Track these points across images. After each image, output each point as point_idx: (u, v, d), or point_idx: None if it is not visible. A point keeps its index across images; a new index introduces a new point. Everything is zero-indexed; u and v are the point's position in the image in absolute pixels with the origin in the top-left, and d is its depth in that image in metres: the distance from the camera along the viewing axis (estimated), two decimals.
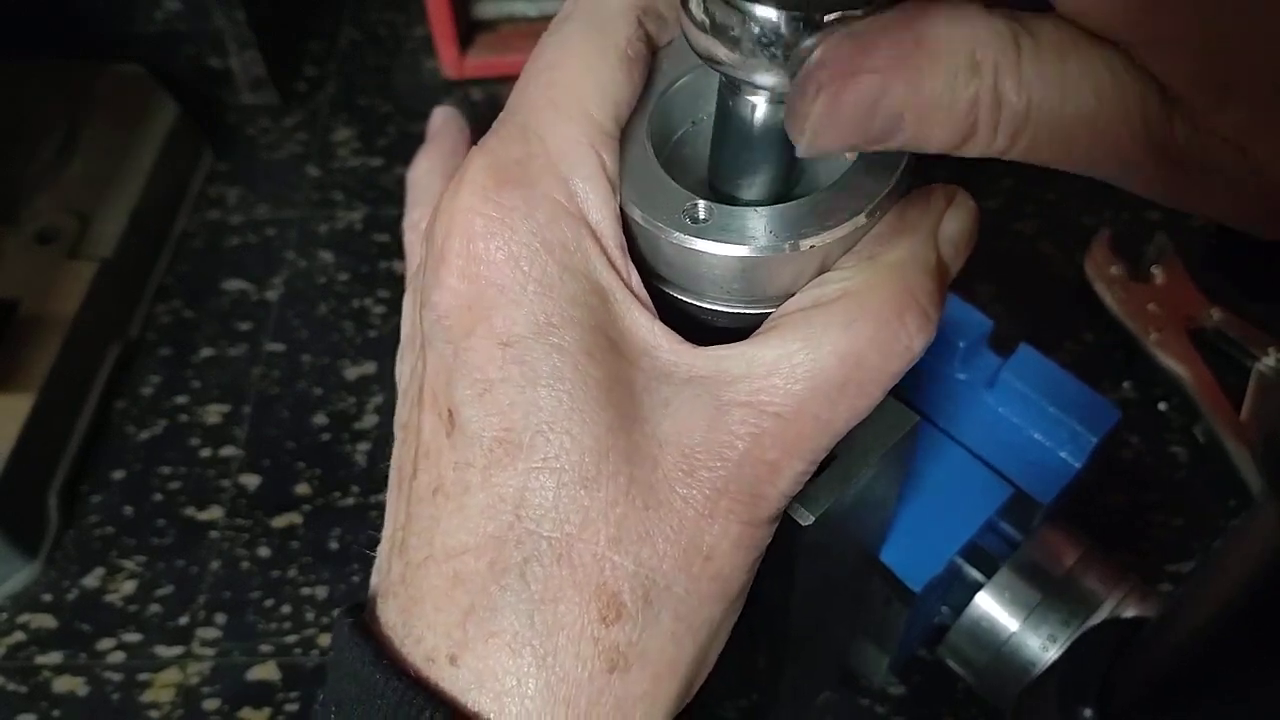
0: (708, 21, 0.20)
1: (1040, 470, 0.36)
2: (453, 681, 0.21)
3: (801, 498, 0.24)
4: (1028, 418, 0.37)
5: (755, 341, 0.21)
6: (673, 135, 0.25)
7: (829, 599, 0.34)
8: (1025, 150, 0.19)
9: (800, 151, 0.19)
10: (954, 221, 0.23)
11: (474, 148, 0.22)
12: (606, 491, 0.20)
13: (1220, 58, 0.17)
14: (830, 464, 0.24)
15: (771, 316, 0.22)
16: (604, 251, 0.22)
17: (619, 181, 0.22)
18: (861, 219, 0.21)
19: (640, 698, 0.21)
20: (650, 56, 0.23)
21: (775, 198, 0.23)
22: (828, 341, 0.20)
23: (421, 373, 0.22)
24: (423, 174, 0.32)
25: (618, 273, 0.22)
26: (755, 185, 0.23)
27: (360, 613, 0.23)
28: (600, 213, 0.22)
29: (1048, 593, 0.37)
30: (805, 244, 0.21)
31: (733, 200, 0.23)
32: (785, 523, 0.24)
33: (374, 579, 0.24)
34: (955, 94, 0.18)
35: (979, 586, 0.38)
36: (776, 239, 0.21)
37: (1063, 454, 0.37)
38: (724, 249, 0.21)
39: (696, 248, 0.21)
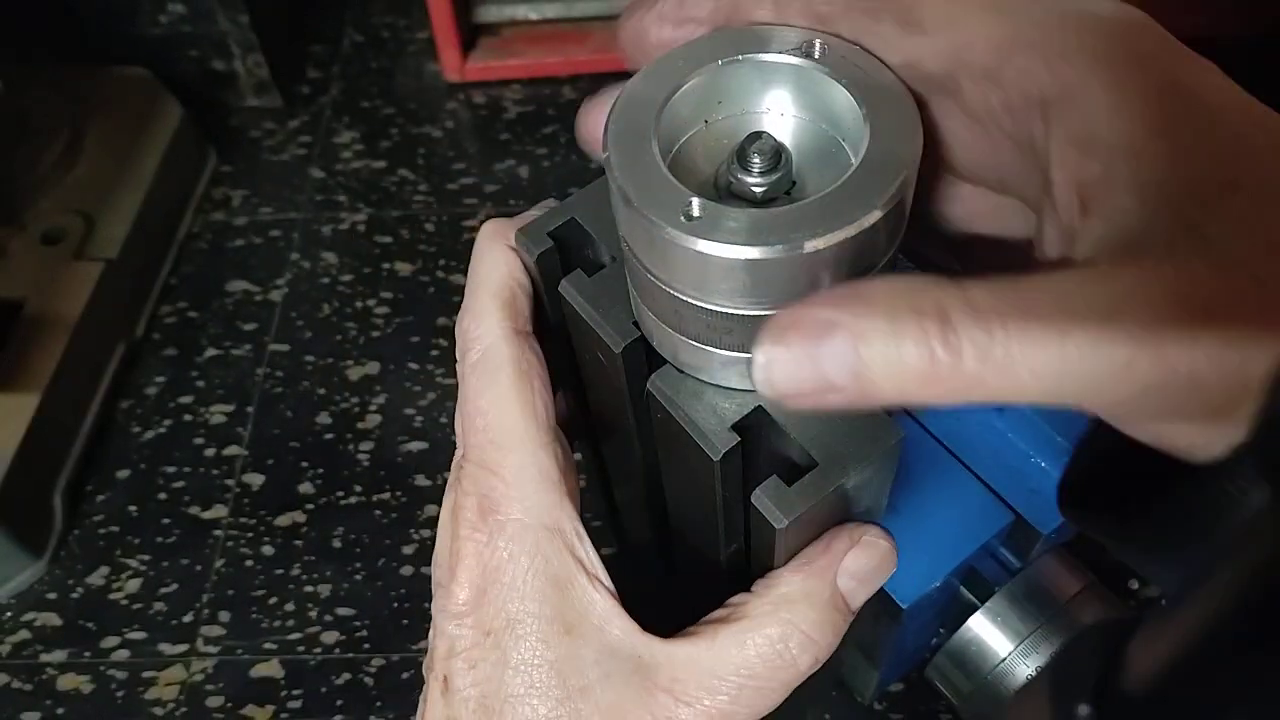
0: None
1: (1043, 500, 0.36)
2: None
3: (778, 501, 0.24)
4: (1036, 445, 0.36)
5: (677, 641, 0.26)
6: (684, 134, 0.25)
7: None
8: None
9: (768, 398, 0.22)
10: (856, 561, 0.27)
11: (457, 487, 0.27)
12: None
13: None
14: (809, 471, 0.25)
15: (701, 620, 0.26)
16: (566, 547, 0.27)
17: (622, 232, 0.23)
18: (857, 225, 0.21)
19: None
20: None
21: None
22: (725, 655, 0.26)
23: (433, 639, 0.28)
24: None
25: (579, 561, 0.27)
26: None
27: None
28: (554, 515, 0.27)
29: (1042, 623, 0.37)
30: (809, 246, 0.21)
31: None
32: (761, 524, 0.25)
33: None
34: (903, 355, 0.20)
35: (974, 610, 0.38)
36: (770, 240, 0.21)
37: None
38: (713, 248, 0.21)
39: (687, 245, 0.22)
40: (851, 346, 0.20)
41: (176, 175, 0.66)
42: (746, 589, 0.28)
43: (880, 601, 0.34)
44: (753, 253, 0.21)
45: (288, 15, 0.76)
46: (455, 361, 0.28)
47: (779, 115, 0.25)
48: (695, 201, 0.22)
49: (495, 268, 0.29)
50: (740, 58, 0.24)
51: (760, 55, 0.24)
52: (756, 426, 0.26)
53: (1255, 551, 0.20)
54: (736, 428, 0.25)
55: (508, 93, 0.74)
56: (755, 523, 0.26)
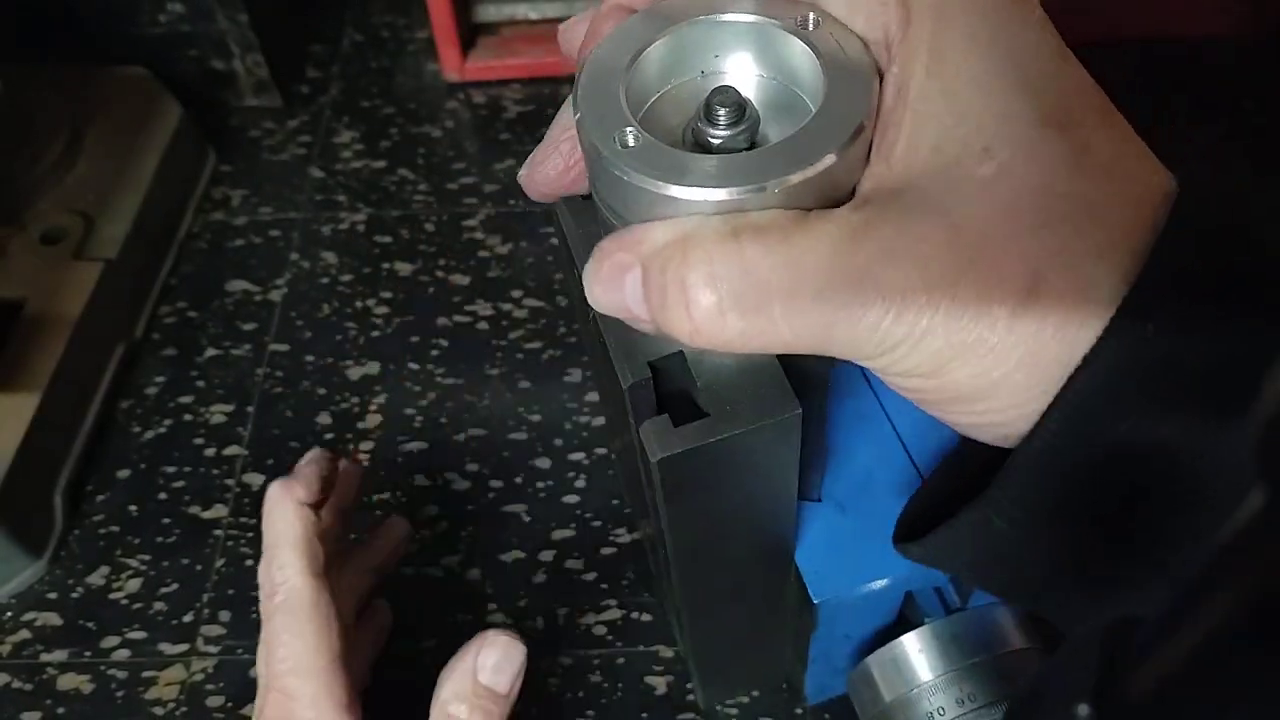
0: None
1: None
2: None
3: (659, 436, 0.25)
4: None
5: None
6: (652, 95, 0.25)
7: (725, 574, 0.34)
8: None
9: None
10: (489, 656, 0.34)
11: (262, 714, 0.35)
12: None
13: None
14: (702, 418, 0.25)
15: None
16: None
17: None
18: (779, 182, 0.22)
19: None
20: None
21: None
22: None
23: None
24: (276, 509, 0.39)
25: None
26: None
27: None
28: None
29: (959, 667, 0.35)
30: (719, 195, 0.22)
31: None
32: (645, 458, 0.25)
33: None
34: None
35: (905, 631, 0.36)
36: (696, 182, 0.22)
37: None
38: (641, 180, 0.22)
39: (619, 174, 0.22)
40: (641, 291, 0.22)
41: (176, 175, 0.66)
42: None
43: (800, 591, 0.34)
44: (676, 191, 0.22)
45: (287, 15, 0.75)
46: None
47: (748, 76, 0.26)
48: (629, 131, 0.23)
49: (290, 525, 0.36)
50: (702, 18, 0.25)
51: (722, 16, 0.25)
52: (673, 370, 0.26)
53: (1255, 553, 0.20)
54: (653, 365, 0.26)
55: (507, 92, 0.74)
56: (643, 456, 0.26)
